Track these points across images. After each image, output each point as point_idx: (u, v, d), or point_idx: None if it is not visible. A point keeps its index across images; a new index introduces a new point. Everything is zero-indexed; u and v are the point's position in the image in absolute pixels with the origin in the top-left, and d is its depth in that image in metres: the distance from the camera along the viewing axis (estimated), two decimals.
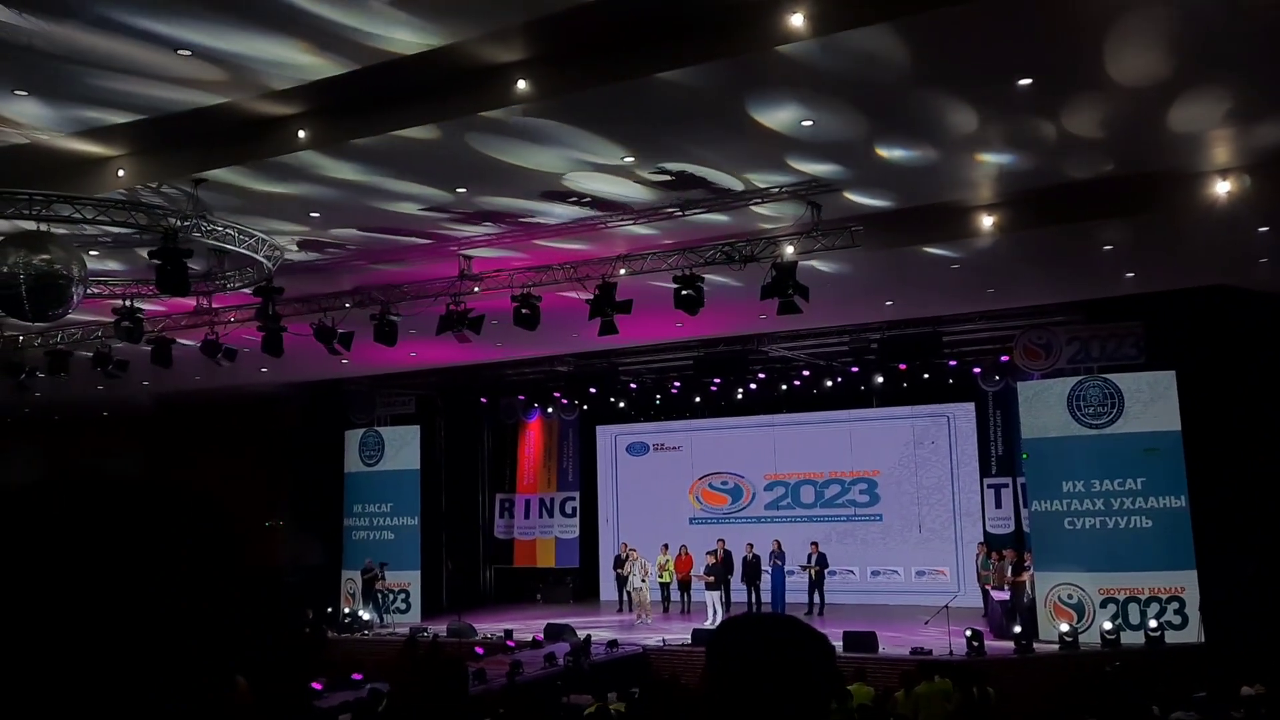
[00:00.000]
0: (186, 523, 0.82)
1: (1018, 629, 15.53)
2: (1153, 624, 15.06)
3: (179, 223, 9.88)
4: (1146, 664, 14.12)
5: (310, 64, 8.04)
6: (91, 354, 15.09)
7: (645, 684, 12.49)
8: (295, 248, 11.89)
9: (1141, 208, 10.65)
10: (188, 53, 7.73)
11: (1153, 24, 7.12)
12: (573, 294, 12.58)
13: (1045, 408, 16.48)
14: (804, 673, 1.49)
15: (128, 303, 12.72)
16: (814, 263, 11.73)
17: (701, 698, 1.54)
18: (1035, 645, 15.29)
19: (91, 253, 11.42)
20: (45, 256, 9.50)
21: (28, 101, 8.50)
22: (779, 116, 8.55)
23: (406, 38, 7.66)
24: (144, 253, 10.74)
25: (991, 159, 9.75)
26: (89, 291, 10.52)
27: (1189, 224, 11.07)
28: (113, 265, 12.42)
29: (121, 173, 9.71)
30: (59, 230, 9.90)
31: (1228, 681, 12.03)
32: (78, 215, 9.56)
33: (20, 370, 15.85)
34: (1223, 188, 10.02)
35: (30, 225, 9.60)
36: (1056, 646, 15.24)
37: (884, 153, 9.47)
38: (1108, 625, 15.25)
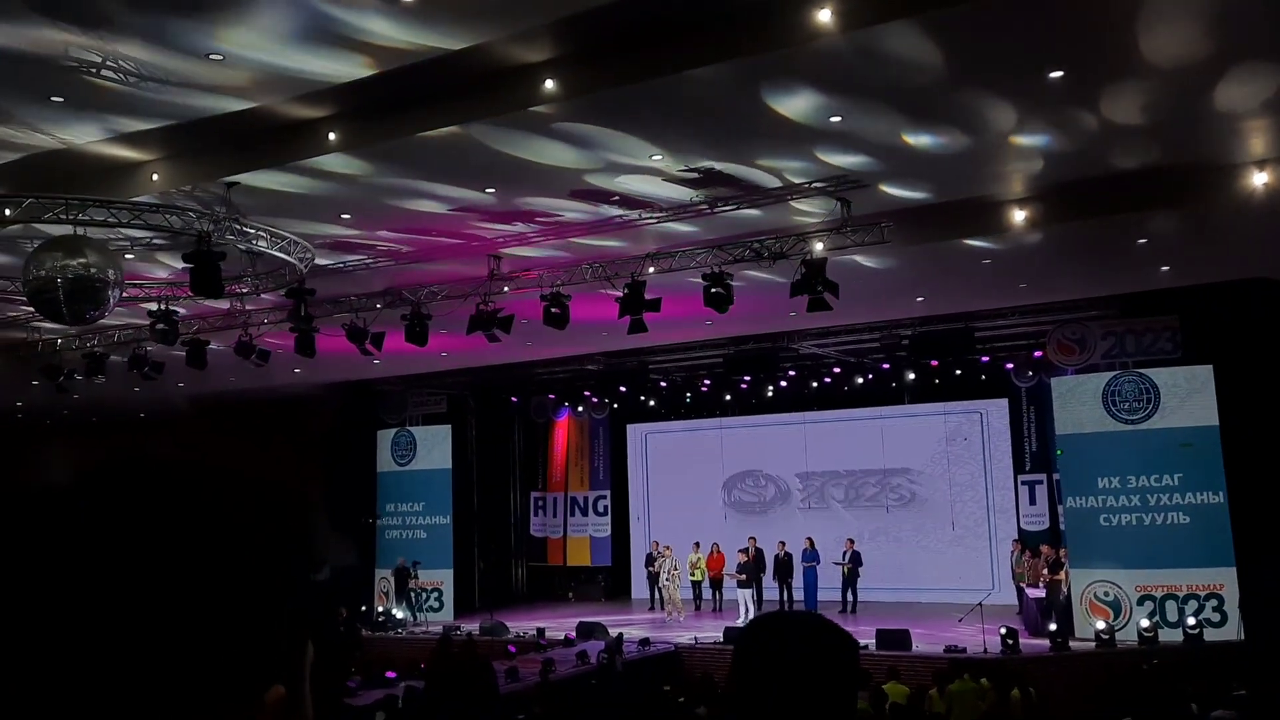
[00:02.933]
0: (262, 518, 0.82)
1: (1053, 626, 15.38)
2: (1191, 621, 14.88)
3: (212, 226, 9.99)
4: (1185, 662, 13.95)
5: (340, 67, 8.10)
6: (128, 356, 15.29)
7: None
8: (326, 249, 11.97)
9: (1177, 200, 10.52)
10: (219, 57, 7.81)
11: (1183, 11, 7.03)
12: (602, 293, 12.59)
13: (1080, 403, 16.32)
14: (828, 671, 1.48)
15: (163, 305, 12.88)
16: (846, 257, 11.67)
17: (727, 696, 1.54)
18: (1071, 643, 15.14)
19: (127, 256, 11.56)
20: (81, 260, 9.63)
21: (63, 107, 8.62)
22: (808, 113, 8.51)
23: (433, 39, 7.69)
24: (178, 256, 10.86)
25: (1022, 153, 9.65)
26: (124, 294, 10.66)
27: (1226, 216, 10.91)
28: (147, 268, 12.58)
29: (155, 177, 9.83)
30: (94, 234, 10.02)
31: (1268, 680, 11.86)
32: (112, 219, 9.68)
33: (59, 373, 16.08)
34: (1260, 179, 9.86)
35: (66, 230, 9.74)
36: (1093, 644, 15.08)
37: (913, 148, 9.40)
38: (1145, 623, 15.07)
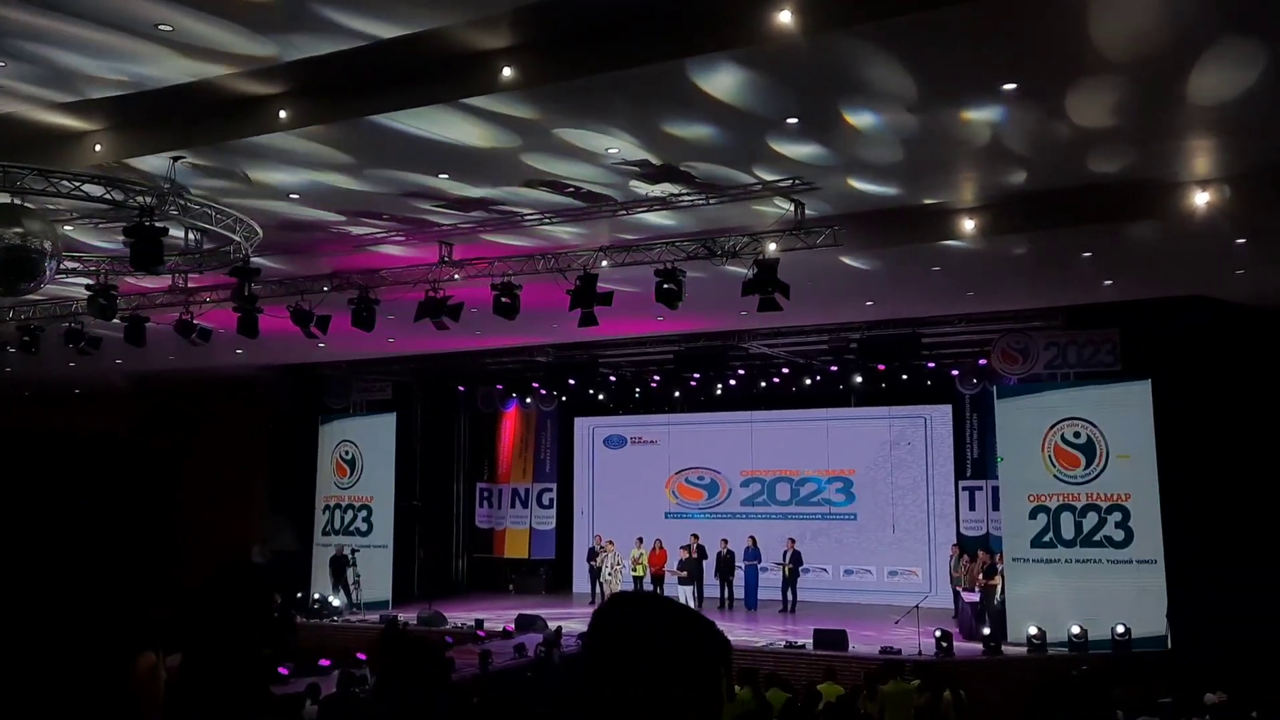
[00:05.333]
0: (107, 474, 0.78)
1: (987, 631, 15.62)
2: (1120, 629, 15.16)
3: (155, 199, 9.76)
4: (1113, 668, 14.23)
5: (293, 43, 7.94)
6: (64, 330, 14.91)
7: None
8: (273, 228, 11.77)
9: (1121, 216, 10.70)
10: (168, 28, 7.62)
11: (1131, 23, 7.14)
12: (554, 284, 12.52)
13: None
14: (671, 656, 1.43)
15: (102, 279, 12.57)
16: (798, 259, 11.72)
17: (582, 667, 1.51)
18: (1004, 647, 15.38)
19: (66, 228, 11.27)
20: (18, 230, 9.38)
21: (3, 73, 8.36)
22: (765, 113, 8.52)
23: (392, 20, 7.57)
24: (119, 228, 10.60)
25: (972, 163, 9.76)
26: (62, 267, 10.39)
27: (1168, 233, 11.13)
28: (88, 240, 12.27)
29: (99, 147, 9.57)
30: (33, 204, 9.75)
31: (1193, 688, 12.15)
32: (52, 189, 9.42)
33: None
34: (1202, 198, 10.06)
35: (3, 198, 9.46)
36: (1025, 649, 15.33)
37: (867, 153, 9.46)
38: (1075, 629, 15.34)
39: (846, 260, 12.06)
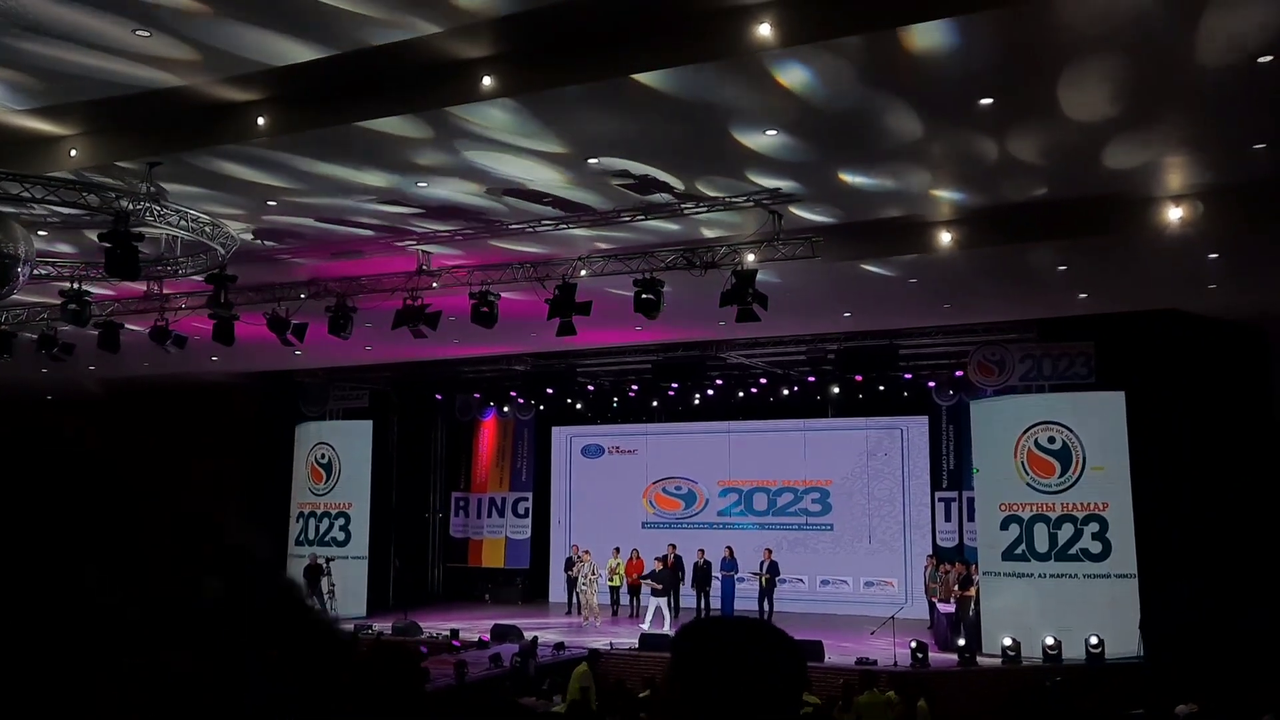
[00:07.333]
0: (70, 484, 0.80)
1: (961, 641, 15.67)
2: (1094, 640, 15.25)
3: (131, 206, 9.68)
4: (1086, 680, 14.31)
5: (272, 50, 7.91)
6: (36, 336, 14.75)
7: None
8: (250, 235, 11.70)
9: (1096, 230, 10.80)
10: (146, 33, 7.57)
11: (1112, 54, 7.22)
12: (532, 294, 12.51)
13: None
14: (768, 676, 1.46)
15: (75, 285, 12.46)
16: (773, 275, 11.76)
17: (664, 701, 1.53)
18: (978, 659, 15.43)
19: (40, 233, 11.16)
20: None
21: None
22: (744, 125, 8.55)
23: (373, 28, 7.56)
24: (94, 235, 10.51)
25: (950, 175, 9.83)
26: (36, 272, 10.29)
27: (1142, 248, 11.24)
28: (62, 246, 12.15)
29: (74, 152, 9.50)
30: (6, 209, 9.65)
31: (1165, 699, 12.23)
32: (26, 194, 9.33)
33: None
34: (1175, 213, 10.18)
35: None
36: (999, 660, 15.39)
37: (845, 165, 9.52)
38: (1050, 641, 15.42)
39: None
